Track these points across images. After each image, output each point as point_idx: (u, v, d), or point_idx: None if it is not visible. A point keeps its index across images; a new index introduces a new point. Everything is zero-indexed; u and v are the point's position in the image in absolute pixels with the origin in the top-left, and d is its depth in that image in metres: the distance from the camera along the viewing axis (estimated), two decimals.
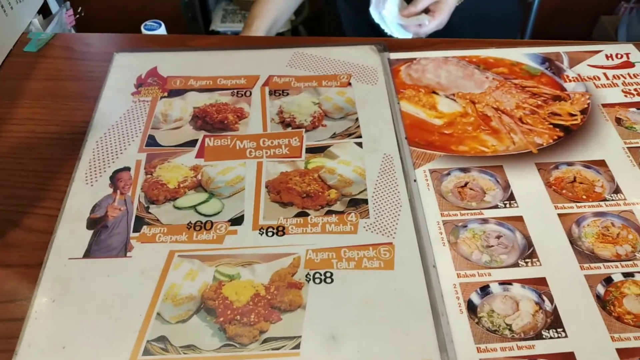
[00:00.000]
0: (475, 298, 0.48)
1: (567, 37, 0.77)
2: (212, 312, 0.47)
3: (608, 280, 0.50)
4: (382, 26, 0.82)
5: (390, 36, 0.82)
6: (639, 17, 1.82)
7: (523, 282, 0.49)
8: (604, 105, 0.66)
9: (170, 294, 0.49)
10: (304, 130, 0.64)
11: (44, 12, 1.27)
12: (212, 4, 2.03)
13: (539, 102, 0.66)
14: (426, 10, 0.79)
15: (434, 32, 0.81)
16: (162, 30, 1.04)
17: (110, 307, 0.48)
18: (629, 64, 0.71)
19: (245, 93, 0.68)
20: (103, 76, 0.71)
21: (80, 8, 1.34)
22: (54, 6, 1.32)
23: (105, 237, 0.53)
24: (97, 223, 0.54)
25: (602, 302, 0.48)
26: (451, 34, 0.80)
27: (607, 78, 0.69)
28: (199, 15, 1.99)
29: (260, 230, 0.53)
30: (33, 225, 0.55)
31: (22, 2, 0.83)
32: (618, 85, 0.68)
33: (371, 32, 0.84)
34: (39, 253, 0.52)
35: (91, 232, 0.53)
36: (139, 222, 0.54)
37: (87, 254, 0.52)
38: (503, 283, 0.49)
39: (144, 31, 1.01)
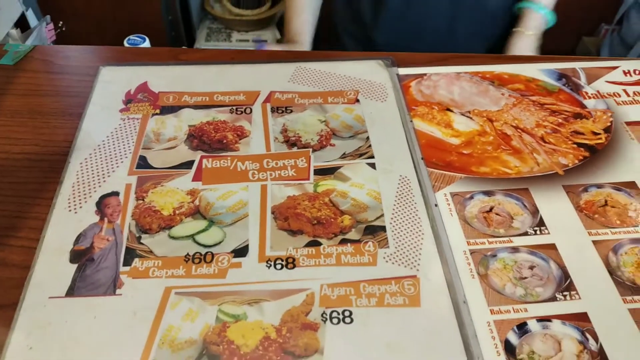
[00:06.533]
0: (513, 337, 0.43)
1: None
2: (216, 359, 0.41)
3: None
4: None
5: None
6: (620, 38, 1.83)
7: (563, 317, 0.44)
8: (628, 124, 0.62)
9: (167, 339, 0.42)
10: (311, 150, 0.58)
11: (22, 26, 1.21)
12: (196, 22, 1.97)
13: (560, 120, 0.62)
14: None
15: (443, 47, 0.78)
16: (146, 45, 0.99)
17: (97, 355, 0.41)
18: None
19: (245, 110, 0.63)
20: (87, 92, 0.65)
21: (61, 23, 1.27)
22: (32, 20, 1.25)
23: (91, 271, 0.47)
24: (81, 256, 0.48)
25: None
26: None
27: (628, 95, 0.66)
28: (182, 33, 1.93)
29: (267, 262, 0.48)
30: (7, 259, 0.48)
31: None
32: None
33: None
34: (14, 291, 0.45)
35: (75, 266, 0.47)
36: (130, 255, 0.48)
37: (71, 292, 0.45)
38: (542, 319, 0.44)
39: (127, 46, 0.95)
